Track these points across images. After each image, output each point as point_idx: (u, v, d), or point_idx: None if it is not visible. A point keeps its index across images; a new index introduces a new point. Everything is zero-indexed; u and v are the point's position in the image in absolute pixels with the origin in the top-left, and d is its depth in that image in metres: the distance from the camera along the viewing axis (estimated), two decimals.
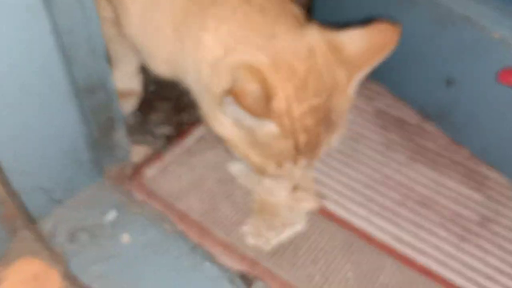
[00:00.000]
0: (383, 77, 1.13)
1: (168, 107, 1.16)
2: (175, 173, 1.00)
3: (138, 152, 1.04)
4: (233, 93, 0.65)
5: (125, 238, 0.85)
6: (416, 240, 0.90)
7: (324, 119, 0.73)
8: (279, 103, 0.69)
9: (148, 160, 1.01)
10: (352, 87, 0.75)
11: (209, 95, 0.76)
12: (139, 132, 1.09)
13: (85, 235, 0.84)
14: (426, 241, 0.90)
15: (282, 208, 0.92)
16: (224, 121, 0.76)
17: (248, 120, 0.70)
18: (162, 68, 0.87)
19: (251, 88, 0.66)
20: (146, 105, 1.15)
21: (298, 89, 0.70)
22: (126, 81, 1.11)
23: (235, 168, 0.99)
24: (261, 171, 0.80)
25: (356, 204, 0.95)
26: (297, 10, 0.78)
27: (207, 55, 0.74)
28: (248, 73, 0.68)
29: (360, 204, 0.95)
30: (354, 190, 0.98)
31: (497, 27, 0.83)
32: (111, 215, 0.88)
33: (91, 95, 0.83)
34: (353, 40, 0.72)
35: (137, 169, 0.99)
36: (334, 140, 0.79)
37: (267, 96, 0.68)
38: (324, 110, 0.72)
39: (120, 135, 0.96)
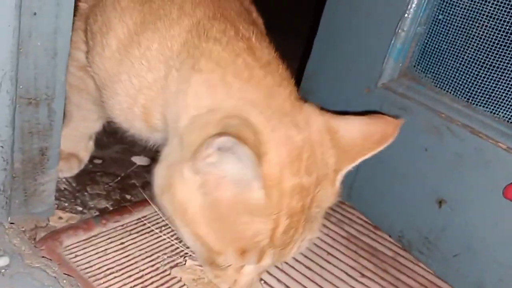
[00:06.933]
0: (359, 199, 1.02)
1: (110, 183, 0.98)
2: (101, 247, 0.78)
3: (60, 218, 0.83)
4: (232, 133, 0.51)
5: None
6: None
7: (308, 209, 0.59)
8: (270, 167, 0.56)
9: (71, 227, 0.80)
10: (339, 179, 0.63)
11: (180, 147, 0.61)
12: (68, 199, 0.89)
13: None
14: None
15: None
16: (189, 182, 0.59)
17: (240, 174, 0.55)
18: (122, 115, 0.74)
19: (245, 135, 0.53)
20: (86, 175, 0.97)
21: (293, 158, 0.57)
22: (74, 143, 0.95)
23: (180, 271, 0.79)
24: (210, 260, 0.63)
25: None
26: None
27: (192, 101, 0.61)
28: (242, 124, 0.56)
29: None
30: None
31: (503, 137, 0.75)
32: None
33: (30, 107, 0.66)
34: (350, 126, 0.63)
35: (54, 234, 0.77)
36: (307, 241, 0.65)
37: (258, 152, 0.54)
38: (312, 196, 0.59)
39: (46, 183, 0.76)
